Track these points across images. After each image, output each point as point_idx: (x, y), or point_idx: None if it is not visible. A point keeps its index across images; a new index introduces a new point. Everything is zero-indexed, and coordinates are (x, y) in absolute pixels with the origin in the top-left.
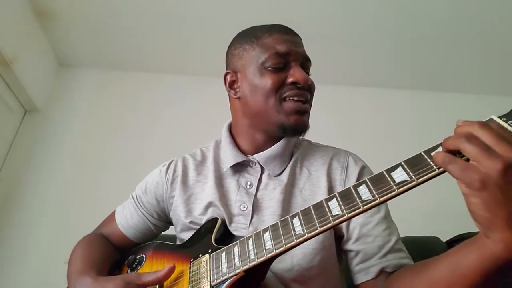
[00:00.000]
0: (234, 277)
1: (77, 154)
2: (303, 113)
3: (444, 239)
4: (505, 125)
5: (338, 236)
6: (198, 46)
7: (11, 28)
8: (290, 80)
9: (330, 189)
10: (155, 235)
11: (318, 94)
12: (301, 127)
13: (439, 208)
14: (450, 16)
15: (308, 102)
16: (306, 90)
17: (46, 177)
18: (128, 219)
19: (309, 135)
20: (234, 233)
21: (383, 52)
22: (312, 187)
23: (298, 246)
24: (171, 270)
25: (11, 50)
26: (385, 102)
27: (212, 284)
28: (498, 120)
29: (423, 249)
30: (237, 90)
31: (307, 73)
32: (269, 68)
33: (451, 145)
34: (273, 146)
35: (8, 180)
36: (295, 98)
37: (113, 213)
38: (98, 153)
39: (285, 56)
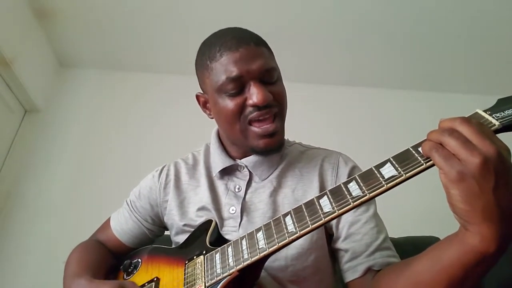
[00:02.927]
0: (228, 277)
1: (77, 154)
2: (272, 134)
3: None
4: (490, 118)
5: (329, 235)
6: (198, 46)
7: (11, 28)
8: (249, 102)
9: (322, 190)
10: (150, 240)
11: (314, 94)
12: (273, 148)
13: (439, 208)
14: (444, 16)
15: (278, 115)
16: (271, 107)
17: (46, 177)
18: (123, 225)
19: (305, 135)
20: (226, 236)
21: (378, 53)
22: (304, 187)
23: (292, 246)
24: None
25: (11, 50)
26: (380, 102)
27: (207, 284)
28: (483, 114)
29: (423, 249)
30: (211, 111)
31: (271, 82)
32: (227, 94)
33: (434, 138)
34: None
35: (8, 180)
36: (260, 118)
37: (109, 220)
38: (98, 153)
39: (238, 78)
